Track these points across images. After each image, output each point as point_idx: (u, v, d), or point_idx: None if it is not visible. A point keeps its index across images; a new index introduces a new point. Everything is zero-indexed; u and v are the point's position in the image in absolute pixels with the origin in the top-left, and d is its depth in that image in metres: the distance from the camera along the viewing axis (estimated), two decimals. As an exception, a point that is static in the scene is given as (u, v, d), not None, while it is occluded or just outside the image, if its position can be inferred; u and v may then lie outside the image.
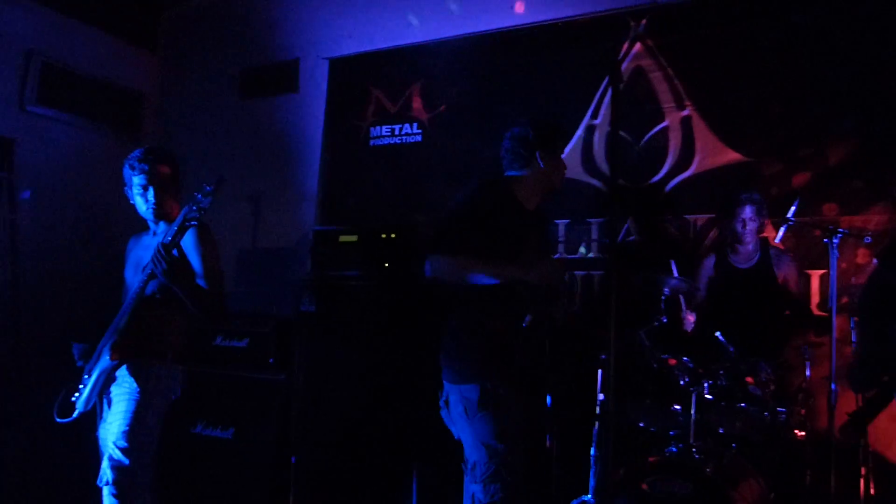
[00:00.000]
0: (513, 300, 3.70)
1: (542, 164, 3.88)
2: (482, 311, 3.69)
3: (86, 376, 3.99)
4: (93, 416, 4.11)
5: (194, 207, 3.70)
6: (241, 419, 5.41)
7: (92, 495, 4.17)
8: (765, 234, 5.13)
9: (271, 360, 5.43)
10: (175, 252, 3.75)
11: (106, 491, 3.77)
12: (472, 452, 3.60)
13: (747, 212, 4.98)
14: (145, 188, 4.05)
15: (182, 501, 5.28)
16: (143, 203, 4.09)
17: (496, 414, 3.56)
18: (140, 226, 4.33)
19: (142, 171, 4.04)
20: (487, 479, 3.52)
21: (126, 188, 4.17)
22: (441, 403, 3.82)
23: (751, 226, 5.00)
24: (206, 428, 5.46)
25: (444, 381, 3.77)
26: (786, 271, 5.08)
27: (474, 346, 3.68)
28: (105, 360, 3.87)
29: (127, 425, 3.80)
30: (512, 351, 3.69)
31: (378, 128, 6.71)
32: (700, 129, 5.54)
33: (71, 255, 6.19)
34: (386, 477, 4.94)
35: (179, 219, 3.75)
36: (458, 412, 3.66)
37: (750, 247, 5.10)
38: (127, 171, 4.10)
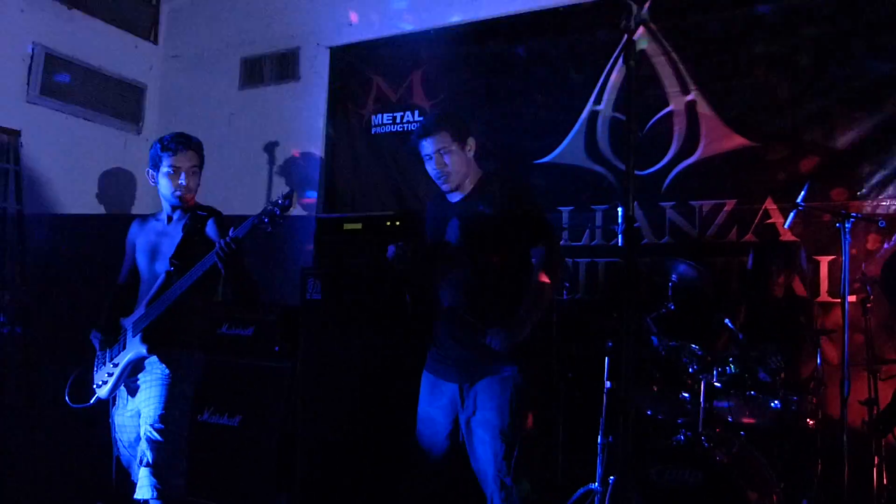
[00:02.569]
0: None
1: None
2: None
3: (111, 365, 4.08)
4: (104, 403, 4.20)
5: (266, 220, 3.68)
6: (247, 407, 5.41)
7: (110, 479, 4.26)
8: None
9: (277, 349, 5.42)
10: (234, 246, 3.75)
11: (144, 472, 3.83)
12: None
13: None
14: (177, 171, 4.07)
15: (189, 489, 5.29)
16: (169, 186, 4.09)
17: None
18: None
19: (176, 153, 4.07)
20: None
21: (150, 168, 4.17)
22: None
23: None
24: (213, 416, 5.47)
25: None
26: None
27: None
28: (139, 351, 3.96)
29: (163, 408, 3.90)
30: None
31: (380, 115, 6.69)
32: (705, 114, 5.47)
33: (76, 246, 6.16)
34: (392, 464, 4.94)
35: (248, 224, 3.73)
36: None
37: None
38: (156, 151, 4.10)
